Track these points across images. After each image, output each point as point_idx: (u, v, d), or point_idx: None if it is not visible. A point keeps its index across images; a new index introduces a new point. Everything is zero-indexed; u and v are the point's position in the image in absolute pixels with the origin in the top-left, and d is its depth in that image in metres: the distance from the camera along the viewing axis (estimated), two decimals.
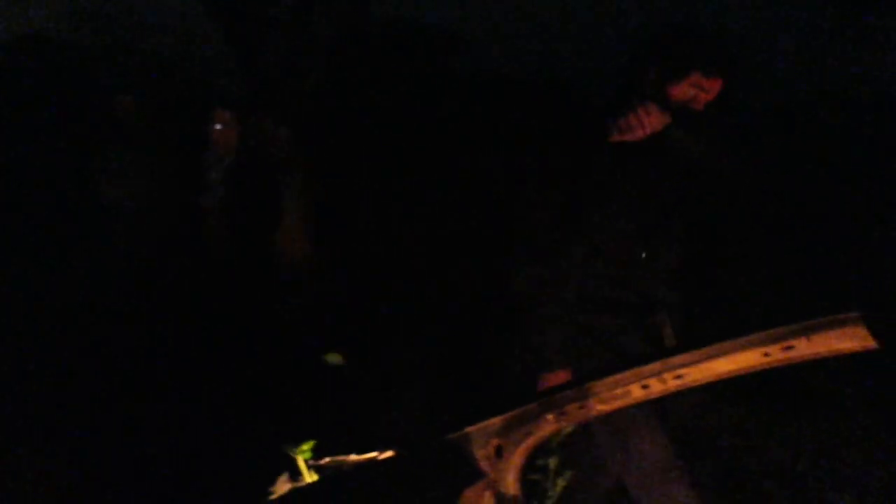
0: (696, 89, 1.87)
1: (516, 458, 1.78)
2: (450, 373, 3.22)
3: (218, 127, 3.74)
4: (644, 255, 1.86)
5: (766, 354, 1.54)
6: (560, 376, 1.87)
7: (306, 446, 1.80)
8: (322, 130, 4.84)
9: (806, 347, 1.51)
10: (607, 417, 1.81)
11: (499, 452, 1.78)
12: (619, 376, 1.65)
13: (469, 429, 1.81)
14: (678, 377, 1.61)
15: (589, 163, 1.86)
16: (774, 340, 1.53)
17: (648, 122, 1.77)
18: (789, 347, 1.52)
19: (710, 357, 1.58)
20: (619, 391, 1.66)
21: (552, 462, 1.99)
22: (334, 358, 3.25)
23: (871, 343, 1.41)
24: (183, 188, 3.92)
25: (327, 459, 1.82)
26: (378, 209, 5.04)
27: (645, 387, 1.64)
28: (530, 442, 1.77)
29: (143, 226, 3.93)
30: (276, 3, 5.99)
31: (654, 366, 1.62)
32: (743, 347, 1.55)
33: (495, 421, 1.79)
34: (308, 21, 6.05)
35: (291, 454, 1.80)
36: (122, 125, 4.18)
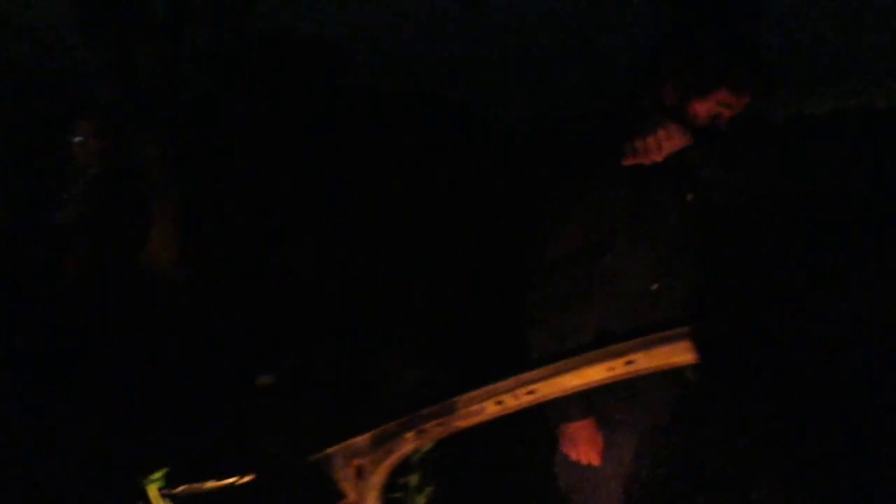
0: (722, 107, 1.68)
1: (377, 478, 1.78)
2: (318, 393, 3.18)
3: (78, 139, 3.55)
4: (656, 287, 1.73)
5: (610, 369, 1.62)
6: (584, 426, 1.81)
7: (158, 474, 1.73)
8: (195, 142, 4.70)
9: (645, 361, 1.59)
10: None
11: (360, 473, 1.79)
12: (474, 393, 1.69)
13: (330, 450, 1.80)
14: (530, 392, 1.66)
15: (604, 193, 1.68)
16: (617, 355, 1.61)
17: (669, 144, 1.60)
18: (631, 362, 1.60)
19: (559, 372, 1.64)
20: (475, 408, 1.70)
21: (413, 480, 2.00)
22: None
23: (695, 357, 1.52)
24: (40, 202, 3.71)
25: (182, 487, 1.76)
26: (254, 224, 4.94)
27: (499, 402, 1.68)
28: (391, 461, 1.78)
29: None
30: (149, 10, 5.78)
31: (507, 382, 1.67)
32: (589, 363, 1.62)
33: (356, 441, 1.79)
34: (183, 30, 5.86)
35: (143, 483, 1.73)
36: None
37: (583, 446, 1.83)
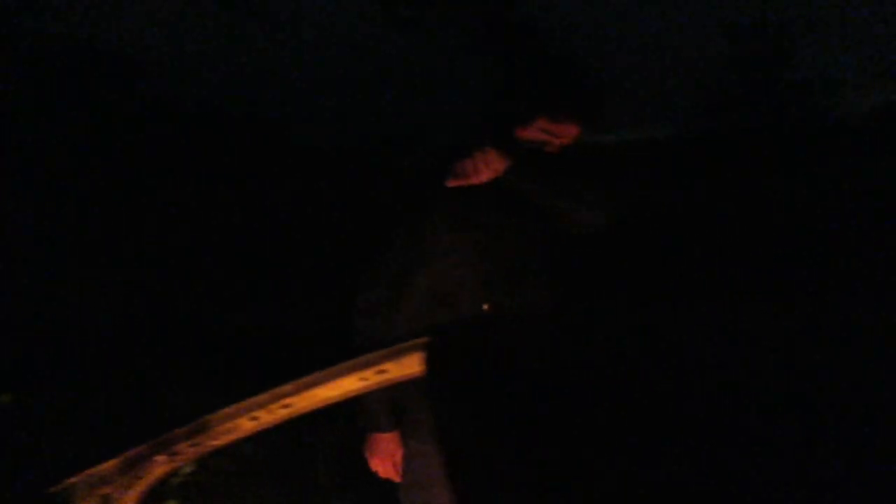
0: (545, 135, 1.72)
1: None
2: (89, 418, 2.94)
3: None
4: (486, 308, 1.74)
5: (363, 378, 1.66)
6: (386, 438, 1.80)
7: None
8: None
9: (396, 370, 1.65)
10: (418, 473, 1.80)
11: (106, 502, 1.69)
12: (227, 410, 1.66)
13: (72, 479, 1.69)
14: (285, 406, 1.66)
15: (423, 211, 1.73)
16: (369, 365, 1.65)
17: (486, 168, 1.65)
18: (382, 371, 1.65)
19: (312, 385, 1.66)
20: (228, 425, 1.67)
21: None
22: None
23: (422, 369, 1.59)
24: None
25: None
26: (27, 237, 4.52)
27: (254, 419, 1.67)
28: (141, 487, 1.70)
29: None
30: None
31: (261, 397, 1.66)
32: (341, 374, 1.65)
33: (102, 468, 1.69)
34: None
35: None
36: None
37: (379, 458, 1.83)
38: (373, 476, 1.88)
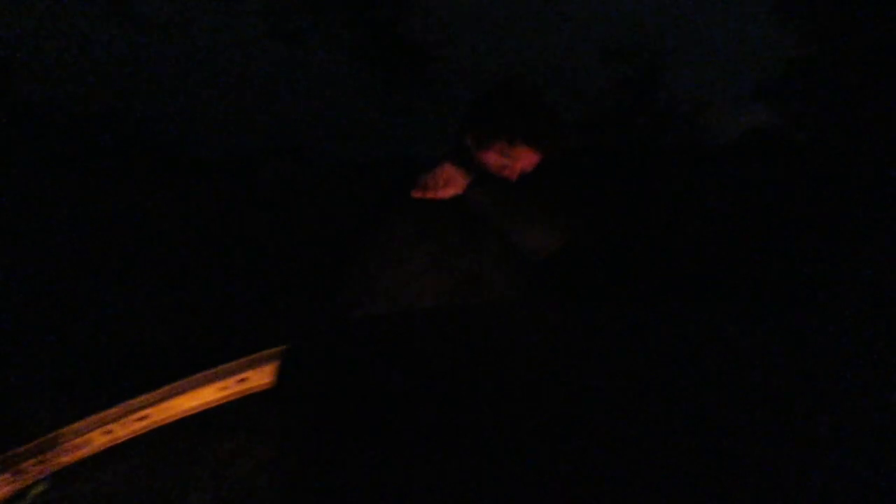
0: (504, 158, 1.76)
1: None
2: None
3: None
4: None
5: (224, 388, 1.64)
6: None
7: None
8: None
9: (257, 378, 1.64)
10: None
11: None
12: (78, 425, 1.60)
13: None
14: (142, 418, 1.62)
15: (393, 219, 1.75)
16: (230, 374, 1.63)
17: (447, 185, 1.72)
18: (243, 380, 1.64)
19: (170, 395, 1.62)
20: (79, 440, 1.61)
21: None
22: None
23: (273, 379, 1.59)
24: None
25: None
26: None
27: (108, 432, 1.62)
28: None
29: None
30: None
31: (116, 410, 1.61)
32: (201, 383, 1.63)
33: None
34: None
35: None
36: None
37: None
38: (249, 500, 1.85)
